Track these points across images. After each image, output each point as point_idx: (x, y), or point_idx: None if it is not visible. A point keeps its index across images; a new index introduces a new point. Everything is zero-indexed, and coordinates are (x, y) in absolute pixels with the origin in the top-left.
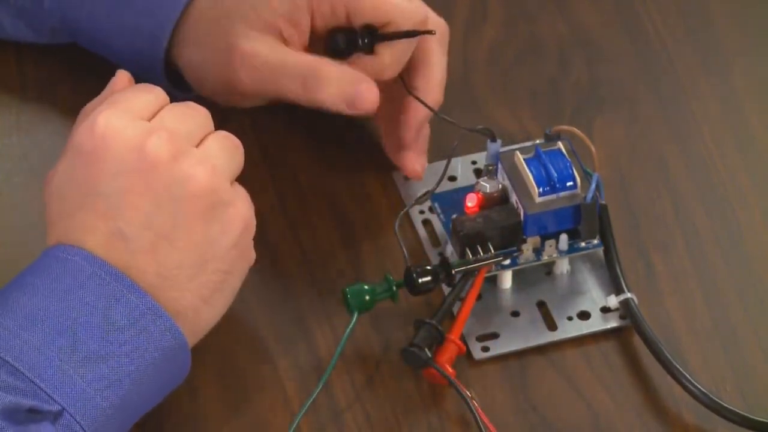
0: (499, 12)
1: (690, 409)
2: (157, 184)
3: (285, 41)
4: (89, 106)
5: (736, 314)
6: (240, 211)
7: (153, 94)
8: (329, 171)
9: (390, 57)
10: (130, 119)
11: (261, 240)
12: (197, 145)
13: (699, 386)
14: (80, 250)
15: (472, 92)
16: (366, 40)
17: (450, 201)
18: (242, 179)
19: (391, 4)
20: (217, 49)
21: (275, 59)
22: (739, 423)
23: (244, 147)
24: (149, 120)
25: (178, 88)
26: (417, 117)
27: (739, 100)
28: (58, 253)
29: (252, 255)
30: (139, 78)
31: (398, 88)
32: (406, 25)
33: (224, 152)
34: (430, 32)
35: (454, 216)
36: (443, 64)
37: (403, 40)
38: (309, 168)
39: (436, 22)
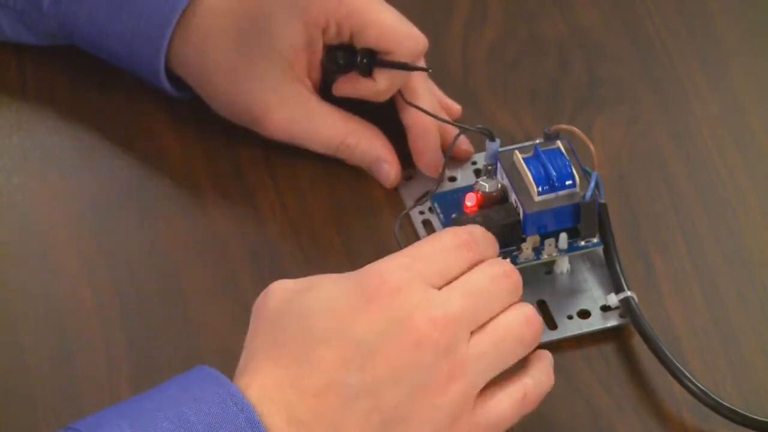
0: (499, 12)
1: (689, 408)
2: (405, 365)
3: (304, 69)
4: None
5: (736, 314)
6: None
7: (456, 250)
8: (330, 171)
9: (386, 83)
10: (421, 282)
11: (261, 240)
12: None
13: (699, 385)
14: (253, 416)
15: (472, 92)
16: (365, 61)
17: (450, 201)
18: (243, 178)
19: (395, 35)
20: (236, 85)
21: (308, 130)
22: (739, 422)
23: (245, 146)
24: (450, 281)
25: (180, 90)
26: (419, 127)
27: (739, 100)
28: (231, 403)
29: None
30: (140, 81)
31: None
32: (406, 56)
33: (492, 356)
34: (425, 69)
35: (453, 215)
36: (426, 91)
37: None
38: (309, 168)
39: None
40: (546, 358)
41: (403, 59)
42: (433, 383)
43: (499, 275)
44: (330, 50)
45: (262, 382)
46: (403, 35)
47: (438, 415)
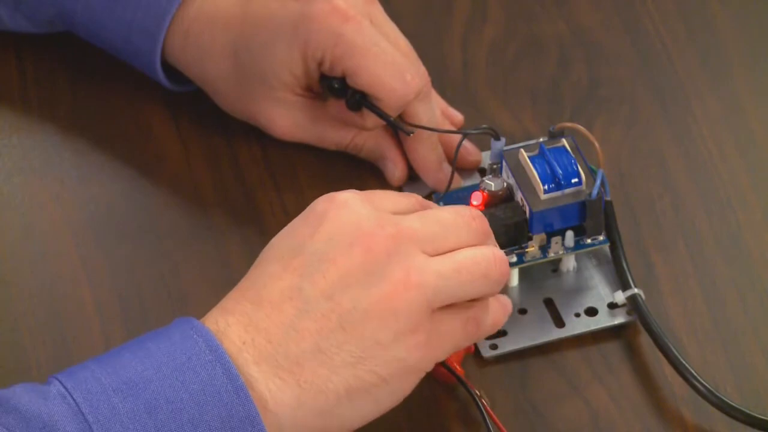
0: (499, 12)
1: (689, 407)
2: (357, 268)
3: (303, 89)
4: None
5: (736, 314)
6: (429, 356)
7: (407, 199)
8: (330, 171)
9: (372, 123)
10: (371, 207)
11: (261, 240)
12: (439, 254)
13: (704, 382)
14: (209, 335)
15: (472, 92)
16: (357, 96)
17: (455, 200)
18: (243, 178)
19: (385, 85)
20: (238, 100)
21: (315, 133)
22: (743, 421)
23: (245, 145)
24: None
25: (177, 84)
26: (417, 145)
27: (739, 100)
28: (192, 332)
29: (408, 391)
30: (140, 82)
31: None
32: (394, 104)
33: (454, 281)
34: (407, 132)
35: None
36: (425, 111)
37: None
38: (309, 168)
39: (419, 73)
40: (507, 305)
41: (391, 106)
42: (389, 286)
43: (464, 213)
44: (325, 76)
45: (224, 304)
46: (393, 83)
47: (398, 322)
